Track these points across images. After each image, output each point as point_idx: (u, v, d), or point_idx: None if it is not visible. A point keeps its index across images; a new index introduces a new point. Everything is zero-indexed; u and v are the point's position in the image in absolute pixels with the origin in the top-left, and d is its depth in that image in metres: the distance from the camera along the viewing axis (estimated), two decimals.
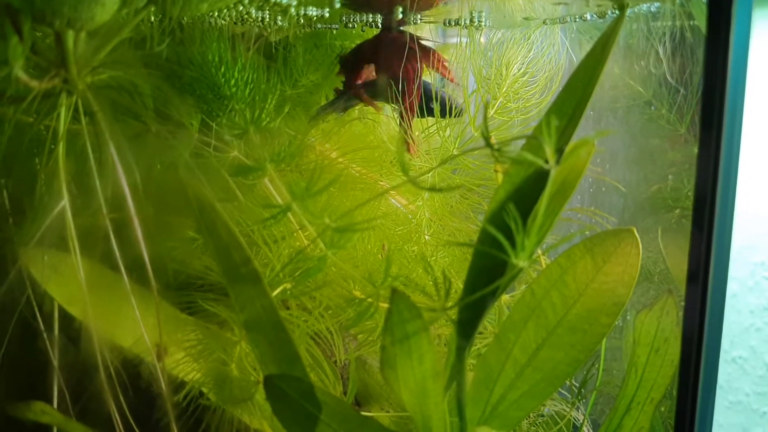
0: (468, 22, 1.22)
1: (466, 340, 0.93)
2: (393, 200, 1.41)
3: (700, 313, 0.87)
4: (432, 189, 1.07)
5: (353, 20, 1.20)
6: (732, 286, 1.73)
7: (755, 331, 1.75)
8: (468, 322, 0.93)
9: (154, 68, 0.93)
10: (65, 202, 0.89)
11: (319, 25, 1.33)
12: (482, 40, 1.31)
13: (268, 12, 1.07)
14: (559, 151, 0.86)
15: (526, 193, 0.91)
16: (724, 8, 0.84)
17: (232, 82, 0.96)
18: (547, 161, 0.82)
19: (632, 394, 1.04)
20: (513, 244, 0.82)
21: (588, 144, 0.88)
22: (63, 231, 0.94)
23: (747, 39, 0.85)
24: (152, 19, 0.92)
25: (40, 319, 1.06)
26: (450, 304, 0.90)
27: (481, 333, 1.27)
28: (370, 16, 1.17)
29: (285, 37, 1.32)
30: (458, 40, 1.32)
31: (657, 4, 1.02)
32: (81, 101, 0.88)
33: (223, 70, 0.96)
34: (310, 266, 0.97)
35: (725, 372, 1.80)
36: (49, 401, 1.02)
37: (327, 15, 1.10)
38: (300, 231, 1.10)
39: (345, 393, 1.22)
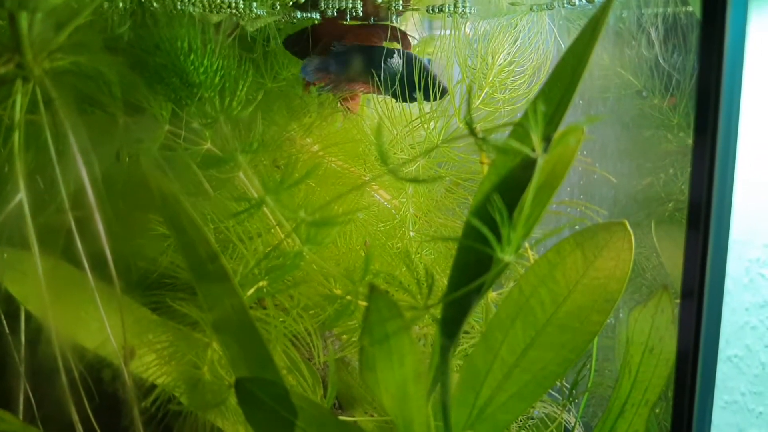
0: (452, 8, 1.17)
1: (451, 339, 0.88)
2: (376, 195, 1.37)
3: (697, 311, 0.83)
4: (414, 180, 1.02)
5: (332, 7, 1.15)
6: (726, 284, 1.70)
7: (750, 329, 1.72)
8: (452, 321, 0.88)
9: (119, 54, 0.87)
10: (22, 195, 0.84)
11: (298, 14, 1.28)
12: (467, 29, 1.26)
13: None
14: (547, 140, 0.82)
15: (513, 184, 0.87)
16: None
17: (201, 69, 0.90)
18: (534, 150, 0.77)
19: (626, 395, 0.99)
20: (499, 237, 0.77)
21: (577, 131, 0.83)
22: (22, 226, 0.89)
23: (744, 26, 0.81)
24: (119, 3, 0.86)
25: (3, 320, 1.01)
26: (433, 301, 0.85)
27: (467, 333, 1.22)
28: (350, 2, 1.12)
29: (264, 27, 1.27)
30: (442, 31, 1.27)
31: None
32: (39, 88, 0.83)
33: (192, 57, 0.91)
34: (286, 263, 0.91)
35: (720, 371, 1.76)
36: (10, 407, 0.96)
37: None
38: (278, 227, 1.05)
39: (325, 396, 1.16)
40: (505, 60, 1.23)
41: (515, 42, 1.23)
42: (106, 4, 0.85)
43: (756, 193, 1.59)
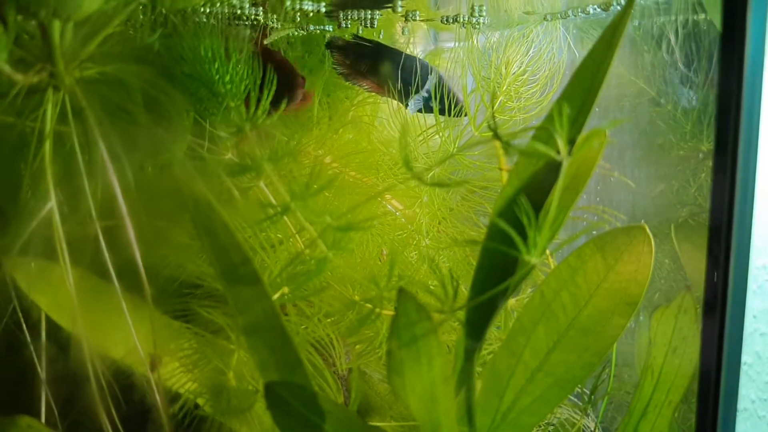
0: (467, 18, 1.19)
1: (476, 342, 0.89)
2: (389, 206, 1.38)
3: (721, 313, 0.84)
4: (437, 184, 1.03)
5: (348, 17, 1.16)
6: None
7: (759, 336, 1.72)
8: (477, 324, 0.89)
9: (146, 63, 0.88)
10: (52, 204, 0.84)
11: (311, 27, 1.30)
12: (479, 40, 1.28)
13: (261, 9, 1.03)
14: (571, 142, 0.83)
15: (536, 188, 0.88)
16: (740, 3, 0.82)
17: (227, 78, 0.91)
18: (558, 152, 0.78)
19: (648, 396, 1.00)
20: (524, 240, 0.78)
21: (600, 134, 0.85)
22: (50, 236, 0.90)
23: (764, 34, 0.83)
24: (143, 11, 0.88)
25: (26, 330, 1.01)
26: (458, 305, 0.86)
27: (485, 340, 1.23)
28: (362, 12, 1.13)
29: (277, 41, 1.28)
30: (450, 44, 1.29)
31: None
32: (68, 97, 0.84)
33: (216, 65, 0.92)
34: (310, 268, 0.92)
35: None
36: (37, 415, 0.96)
37: (323, 9, 1.06)
38: (297, 236, 1.06)
39: (346, 404, 1.17)
40: (519, 69, 1.25)
41: (528, 51, 1.25)
42: (136, 15, 0.86)
43: (764, 201, 1.61)
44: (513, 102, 1.24)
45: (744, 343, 1.74)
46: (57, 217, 0.87)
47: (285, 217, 0.98)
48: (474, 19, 1.19)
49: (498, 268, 0.88)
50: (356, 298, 1.10)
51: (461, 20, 1.19)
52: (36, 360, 1.00)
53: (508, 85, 1.24)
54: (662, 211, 1.16)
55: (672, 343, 0.98)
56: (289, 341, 0.82)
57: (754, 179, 0.87)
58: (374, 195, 1.16)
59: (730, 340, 0.84)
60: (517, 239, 0.77)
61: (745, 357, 1.77)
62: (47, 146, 0.84)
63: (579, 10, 1.11)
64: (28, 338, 0.99)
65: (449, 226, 1.31)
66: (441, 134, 1.23)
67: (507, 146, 0.81)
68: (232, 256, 0.80)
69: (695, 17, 1.01)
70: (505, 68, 1.25)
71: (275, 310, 0.81)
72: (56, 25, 0.78)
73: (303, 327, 1.04)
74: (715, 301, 0.83)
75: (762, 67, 0.83)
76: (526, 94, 1.25)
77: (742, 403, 1.81)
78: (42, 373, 1.00)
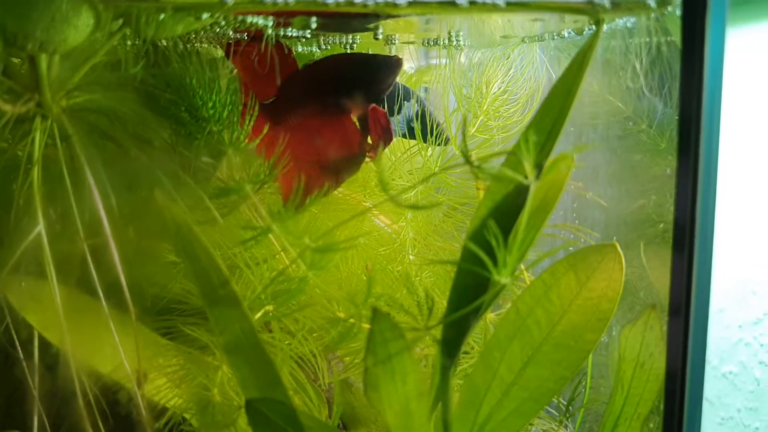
0: (447, 41, 1.22)
1: (451, 359, 0.93)
2: (377, 220, 1.41)
3: (684, 327, 0.87)
4: (413, 207, 1.06)
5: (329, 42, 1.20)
6: (721, 301, 1.74)
7: (744, 346, 1.76)
8: (452, 341, 0.92)
9: (131, 91, 0.92)
10: (41, 227, 0.88)
11: (299, 48, 1.33)
12: (462, 59, 1.32)
13: (245, 35, 1.07)
14: (539, 167, 0.86)
15: (507, 210, 0.91)
16: (698, 25, 0.85)
17: (210, 104, 0.95)
18: (526, 177, 0.81)
19: (619, 409, 1.03)
20: (495, 261, 0.82)
21: (567, 159, 0.88)
22: (40, 257, 0.93)
23: (721, 54, 0.86)
24: (127, 41, 0.91)
25: (18, 347, 1.04)
26: (433, 323, 0.89)
27: (467, 353, 1.26)
28: (349, 37, 1.17)
29: None
30: (438, 61, 1.32)
31: (633, 20, 1.03)
32: (56, 125, 0.87)
33: (200, 92, 0.95)
34: (291, 287, 0.96)
35: (716, 388, 1.80)
36: (27, 430, 1.00)
37: (308, 36, 1.10)
38: (283, 253, 1.09)
39: (330, 416, 1.20)
40: (499, 89, 1.28)
41: (508, 72, 1.29)
42: (119, 46, 0.90)
43: (747, 218, 1.64)
44: (493, 121, 1.27)
45: (729, 353, 1.77)
46: (45, 239, 0.90)
47: (270, 236, 1.01)
48: (454, 43, 1.22)
49: (471, 287, 0.91)
50: (341, 314, 1.14)
51: (441, 44, 1.23)
52: (29, 376, 1.04)
53: (489, 104, 1.27)
54: (638, 227, 1.19)
55: (640, 359, 1.01)
56: (268, 359, 0.86)
57: (715, 189, 0.90)
58: (358, 213, 1.20)
59: (694, 354, 0.86)
60: (487, 260, 0.81)
61: (731, 367, 1.80)
62: (35, 172, 0.88)
63: (555, 34, 1.15)
64: (21, 355, 1.03)
65: (432, 242, 1.34)
66: (423, 154, 1.27)
67: (477, 170, 0.84)
68: (212, 278, 0.84)
69: (667, 39, 1.05)
70: (486, 88, 1.29)
71: (254, 330, 0.85)
72: (43, 58, 0.82)
73: (287, 343, 1.07)
74: (678, 316, 0.86)
75: (721, 82, 0.86)
76: (506, 114, 1.28)
77: (728, 412, 1.84)
78: (35, 390, 1.03)
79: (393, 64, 1.18)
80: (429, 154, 1.28)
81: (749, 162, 1.61)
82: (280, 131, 1.13)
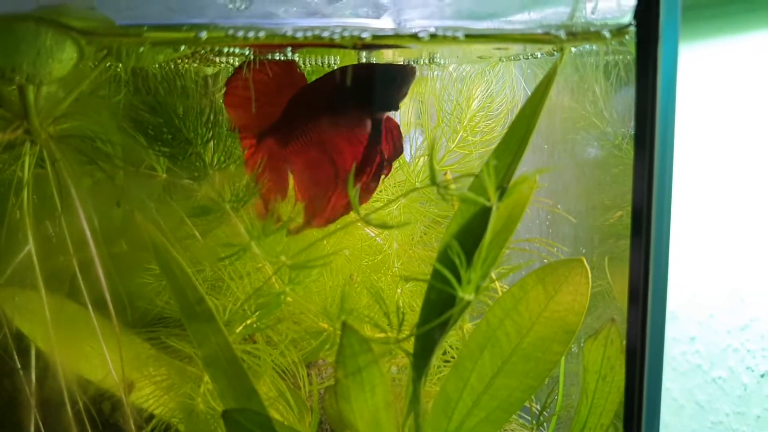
0: (427, 61, 1.27)
1: (420, 370, 0.97)
2: (367, 230, 1.45)
3: (641, 339, 0.90)
4: (380, 225, 1.11)
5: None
6: (709, 307, 1.77)
7: (732, 352, 1.78)
8: (421, 354, 0.96)
9: (115, 116, 0.97)
10: (30, 246, 0.93)
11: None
12: (451, 72, 1.35)
13: (225, 58, 1.11)
14: (502, 188, 0.90)
15: (475, 229, 0.95)
16: (652, 44, 0.89)
17: (191, 127, 1.00)
18: (489, 199, 0.86)
19: (584, 419, 1.07)
20: (459, 279, 0.86)
21: (529, 180, 0.92)
22: (32, 272, 0.98)
23: (674, 74, 0.89)
24: (111, 70, 0.96)
25: (16, 357, 1.09)
26: (402, 336, 0.93)
27: (448, 362, 1.30)
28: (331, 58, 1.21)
29: None
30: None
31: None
32: (45, 150, 0.93)
33: (182, 115, 1.00)
34: (269, 302, 1.00)
35: (706, 392, 1.83)
36: None
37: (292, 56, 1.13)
38: (267, 266, 1.14)
39: (319, 423, 1.24)
40: (479, 105, 1.32)
41: (488, 89, 1.33)
42: (103, 75, 0.95)
43: (734, 227, 1.67)
44: (472, 137, 1.31)
45: (718, 359, 1.80)
46: (35, 257, 0.95)
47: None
48: (435, 62, 1.27)
49: (441, 302, 0.95)
50: (324, 324, 1.18)
51: (421, 62, 1.27)
52: (25, 386, 1.09)
53: (468, 120, 1.31)
54: (608, 240, 1.22)
55: (602, 371, 1.05)
56: (243, 372, 0.90)
57: (671, 187, 0.93)
58: (340, 228, 1.24)
59: (651, 366, 0.90)
60: (452, 279, 0.85)
61: (720, 372, 1.83)
62: (26, 193, 0.93)
63: (528, 54, 1.19)
64: (17, 365, 1.08)
65: (415, 253, 1.38)
66: (404, 170, 1.31)
67: (444, 193, 0.88)
68: (188, 295, 0.88)
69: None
70: (466, 104, 1.33)
71: (229, 344, 0.90)
72: (30, 89, 0.88)
73: (269, 354, 1.12)
74: (635, 333, 0.90)
75: (674, 95, 0.90)
76: (486, 128, 1.33)
77: (717, 416, 1.87)
78: (32, 399, 1.08)
79: (408, 72, 1.15)
80: (411, 170, 1.33)
81: (734, 173, 1.64)
82: (289, 151, 1.12)
